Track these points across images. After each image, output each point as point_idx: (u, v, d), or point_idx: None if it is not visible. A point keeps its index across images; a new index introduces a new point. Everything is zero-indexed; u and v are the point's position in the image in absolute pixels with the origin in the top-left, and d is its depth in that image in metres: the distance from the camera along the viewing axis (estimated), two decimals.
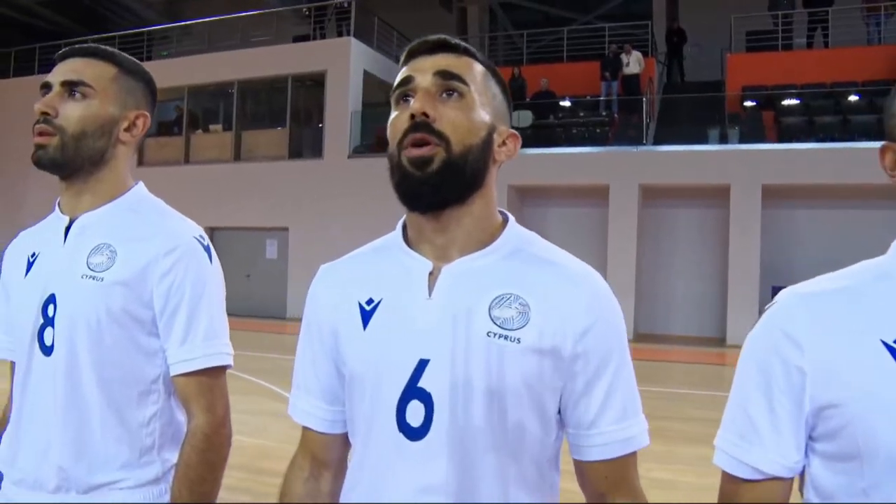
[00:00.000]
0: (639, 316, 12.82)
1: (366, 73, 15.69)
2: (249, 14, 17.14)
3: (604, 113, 14.52)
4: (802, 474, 0.91)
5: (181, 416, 1.28)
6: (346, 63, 15.18)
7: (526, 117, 13.68)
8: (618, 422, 0.94)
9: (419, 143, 0.92)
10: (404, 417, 0.92)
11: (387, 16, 17.30)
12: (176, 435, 1.26)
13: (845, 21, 14.32)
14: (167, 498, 1.22)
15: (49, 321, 1.20)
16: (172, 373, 1.22)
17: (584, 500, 1.01)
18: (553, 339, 0.92)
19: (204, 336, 1.22)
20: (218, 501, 1.24)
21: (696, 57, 16.46)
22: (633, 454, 0.97)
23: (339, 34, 16.07)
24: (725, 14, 14.80)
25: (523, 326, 0.91)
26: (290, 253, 15.18)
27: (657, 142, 13.36)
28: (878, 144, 1.02)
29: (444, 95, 0.95)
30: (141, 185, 1.34)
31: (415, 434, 0.91)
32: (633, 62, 14.47)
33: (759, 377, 0.89)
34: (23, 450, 1.22)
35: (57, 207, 1.30)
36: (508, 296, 0.93)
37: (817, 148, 11.89)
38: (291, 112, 15.89)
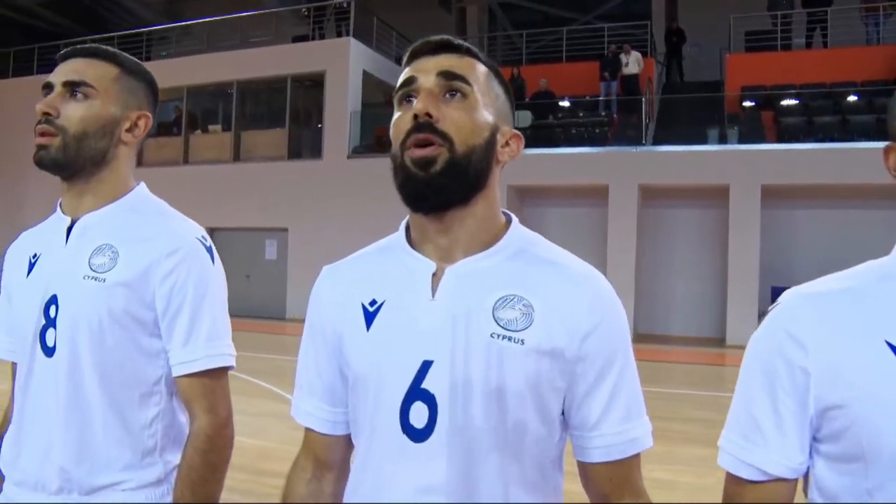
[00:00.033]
0: (638, 316, 12.82)
1: (365, 74, 15.69)
2: (248, 14, 17.13)
3: (603, 113, 14.52)
4: (806, 475, 0.91)
5: (183, 418, 1.28)
6: (346, 63, 15.18)
7: (525, 117, 13.69)
8: (622, 423, 0.94)
9: (422, 144, 0.92)
10: (408, 419, 0.91)
11: (386, 16, 17.30)
12: (178, 436, 1.26)
13: (844, 21, 14.33)
14: (169, 499, 1.22)
15: (51, 322, 1.20)
16: (175, 374, 1.22)
17: (587, 502, 1.01)
18: (557, 340, 0.91)
19: (206, 337, 1.22)
20: (220, 502, 1.24)
21: (695, 57, 16.47)
22: (637, 456, 0.96)
23: (339, 34, 16.06)
24: (724, 14, 14.81)
25: (527, 328, 0.91)
26: (290, 253, 15.17)
27: (656, 142, 13.37)
28: (877, 144, 1.01)
29: (448, 96, 0.94)
30: (143, 185, 1.33)
31: (418, 435, 0.91)
32: (632, 62, 14.47)
33: (764, 378, 0.89)
34: (24, 451, 1.22)
35: (58, 208, 1.29)
36: (512, 297, 0.93)
37: (816, 148, 11.90)
38: (291, 112, 15.88)
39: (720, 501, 0.96)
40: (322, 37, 16.54)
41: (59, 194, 1.29)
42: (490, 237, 0.98)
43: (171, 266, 1.21)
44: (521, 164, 12.58)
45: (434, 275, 0.96)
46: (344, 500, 1.03)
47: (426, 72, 0.95)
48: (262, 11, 17.48)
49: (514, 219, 1.02)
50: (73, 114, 1.21)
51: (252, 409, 5.75)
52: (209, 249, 1.26)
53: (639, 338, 12.49)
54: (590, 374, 0.93)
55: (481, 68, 0.98)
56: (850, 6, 14.29)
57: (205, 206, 14.05)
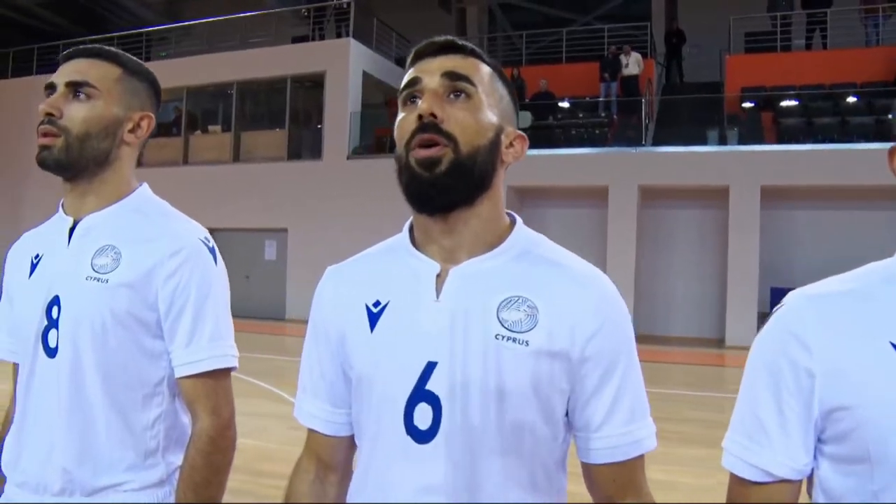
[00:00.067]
0: (638, 317, 12.81)
1: (365, 74, 15.68)
2: (248, 15, 17.13)
3: (603, 114, 14.53)
4: (810, 476, 0.91)
5: (185, 419, 1.27)
6: (346, 64, 15.17)
7: (525, 118, 13.69)
8: (626, 424, 0.94)
9: (427, 144, 0.92)
10: (412, 420, 0.91)
11: (386, 17, 17.30)
12: (180, 437, 1.26)
13: (844, 22, 14.35)
14: (172, 500, 1.22)
15: (53, 323, 1.20)
16: (177, 375, 1.22)
17: (591, 503, 1.01)
18: (561, 341, 0.91)
19: (209, 338, 1.22)
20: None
21: (695, 58, 16.48)
22: (641, 457, 0.96)
23: (339, 35, 16.06)
24: (724, 15, 14.82)
25: (531, 329, 0.91)
26: (289, 254, 15.17)
27: (656, 143, 13.38)
28: (876, 146, 1.01)
29: (452, 96, 0.94)
30: (145, 186, 1.33)
31: (422, 437, 0.91)
32: (632, 63, 14.48)
33: (768, 379, 0.89)
34: (26, 452, 1.22)
35: (60, 208, 1.29)
36: (517, 298, 0.93)
37: (816, 149, 11.91)
38: (290, 113, 15.88)
39: (721, 502, 0.96)
40: (322, 37, 16.54)
41: (59, 195, 1.28)
42: (494, 238, 0.97)
43: (174, 267, 1.20)
44: (520, 164, 12.41)
45: (438, 276, 0.95)
46: (347, 501, 1.03)
47: (430, 72, 0.95)
48: (262, 12, 17.48)
49: (519, 220, 1.02)
50: (76, 114, 1.21)
51: (251, 410, 5.74)
52: (212, 250, 1.26)
53: (638, 338, 12.18)
54: (594, 376, 0.93)
55: (485, 69, 0.98)
56: (849, 7, 14.31)
57: (204, 207, 14.03)
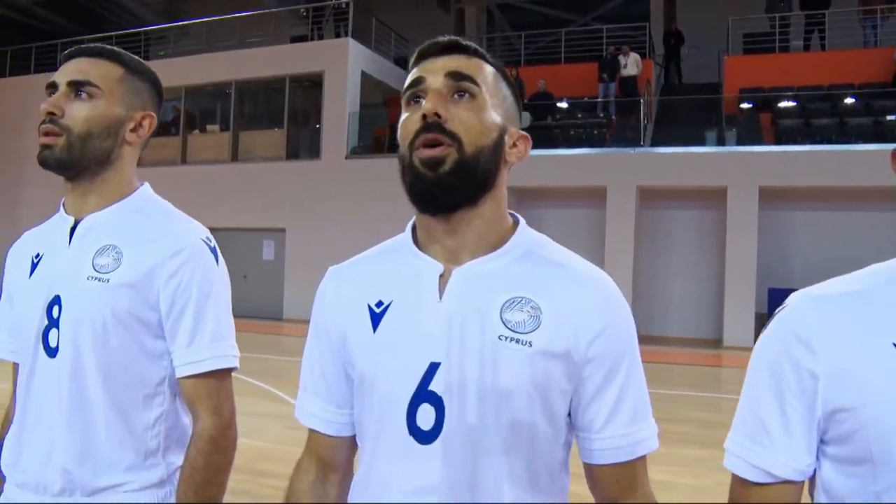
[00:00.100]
0: (636, 317, 12.34)
1: (363, 74, 15.68)
2: (247, 14, 17.12)
3: (601, 114, 14.54)
4: (812, 477, 0.91)
5: (186, 419, 1.27)
6: (344, 64, 15.17)
7: (523, 118, 13.64)
8: (629, 425, 0.94)
9: (431, 144, 0.91)
10: (414, 420, 0.91)
11: (385, 17, 17.30)
12: (181, 437, 1.26)
13: (842, 23, 14.37)
14: (172, 500, 1.22)
15: (54, 323, 1.19)
16: (178, 375, 1.21)
17: (593, 503, 1.01)
18: (564, 342, 0.91)
19: (211, 338, 1.21)
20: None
21: (693, 59, 16.50)
22: (644, 458, 0.96)
23: (337, 35, 16.06)
24: (723, 16, 14.84)
25: (535, 330, 0.91)
26: (287, 254, 15.16)
27: (654, 143, 13.40)
28: (874, 147, 1.01)
29: (456, 96, 0.94)
30: (147, 186, 1.33)
31: (425, 437, 0.91)
32: (630, 64, 14.49)
33: (771, 380, 0.89)
34: (26, 452, 1.21)
35: (61, 208, 1.28)
36: (520, 299, 0.93)
37: (814, 150, 11.94)
38: (289, 113, 15.87)
39: (721, 502, 0.96)
40: (321, 37, 16.54)
41: (57, 194, 1.28)
42: (497, 238, 0.97)
43: (175, 267, 1.20)
44: (519, 165, 12.44)
45: (441, 276, 0.95)
46: (348, 502, 1.03)
47: (434, 72, 0.95)
48: (260, 11, 17.47)
49: (522, 220, 1.02)
50: (78, 114, 1.20)
51: (248, 410, 5.74)
52: (213, 250, 1.26)
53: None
54: (597, 377, 0.93)
55: (489, 69, 0.98)
56: (847, 8, 14.34)
57: (202, 207, 13.97)
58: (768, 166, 11.96)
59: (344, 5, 15.96)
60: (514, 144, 0.99)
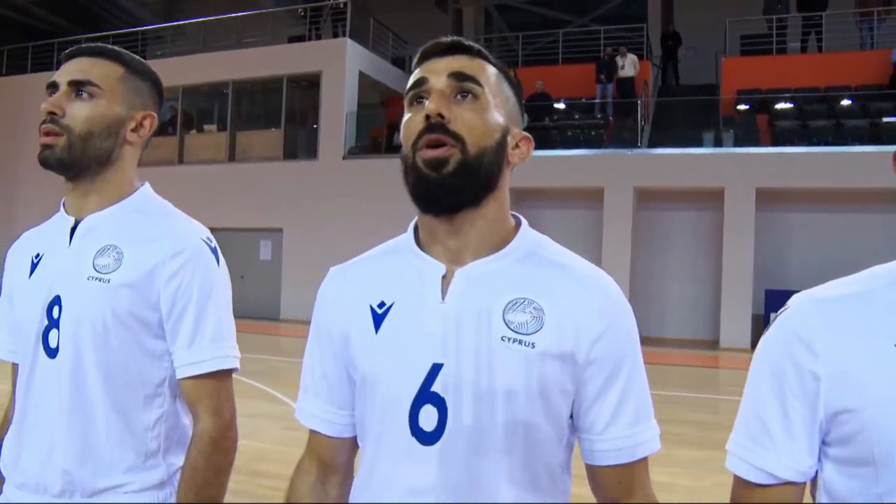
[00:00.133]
0: None
1: (361, 74, 15.67)
2: (244, 14, 17.09)
3: (599, 115, 14.55)
4: (814, 479, 0.91)
5: (186, 420, 1.27)
6: (342, 64, 15.16)
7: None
8: (631, 426, 0.94)
9: (435, 144, 0.91)
10: (417, 422, 0.91)
11: (382, 17, 17.29)
12: (181, 438, 1.25)
13: (839, 26, 14.40)
14: (173, 501, 1.21)
15: (54, 323, 1.19)
16: (179, 376, 1.21)
17: None
18: (567, 344, 0.91)
19: (211, 339, 1.21)
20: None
21: (690, 60, 16.52)
22: (645, 459, 0.96)
23: (335, 35, 16.05)
24: (720, 17, 14.86)
25: (537, 331, 0.91)
26: (285, 254, 15.15)
27: (652, 145, 13.41)
28: (870, 148, 1.02)
29: (459, 97, 0.94)
30: (147, 186, 1.33)
31: (428, 438, 0.91)
32: (628, 65, 14.50)
33: (773, 381, 0.89)
34: (26, 453, 1.21)
35: (62, 208, 1.28)
36: (522, 300, 0.93)
37: (811, 151, 11.96)
38: (286, 113, 15.86)
39: (722, 503, 0.96)
40: (318, 37, 16.53)
41: (55, 194, 1.27)
42: (500, 239, 0.97)
43: (176, 267, 1.20)
44: (517, 165, 12.45)
45: (443, 277, 0.95)
46: (349, 502, 1.02)
47: (437, 73, 0.95)
48: (258, 11, 17.45)
49: (524, 221, 1.02)
50: (79, 113, 1.20)
51: (246, 411, 5.71)
52: (214, 251, 1.26)
53: None
54: (599, 379, 0.93)
55: (492, 70, 0.98)
56: (844, 10, 14.37)
57: (200, 207, 13.91)
58: (765, 168, 11.98)
59: (341, 5, 15.95)
60: (517, 145, 0.99)
